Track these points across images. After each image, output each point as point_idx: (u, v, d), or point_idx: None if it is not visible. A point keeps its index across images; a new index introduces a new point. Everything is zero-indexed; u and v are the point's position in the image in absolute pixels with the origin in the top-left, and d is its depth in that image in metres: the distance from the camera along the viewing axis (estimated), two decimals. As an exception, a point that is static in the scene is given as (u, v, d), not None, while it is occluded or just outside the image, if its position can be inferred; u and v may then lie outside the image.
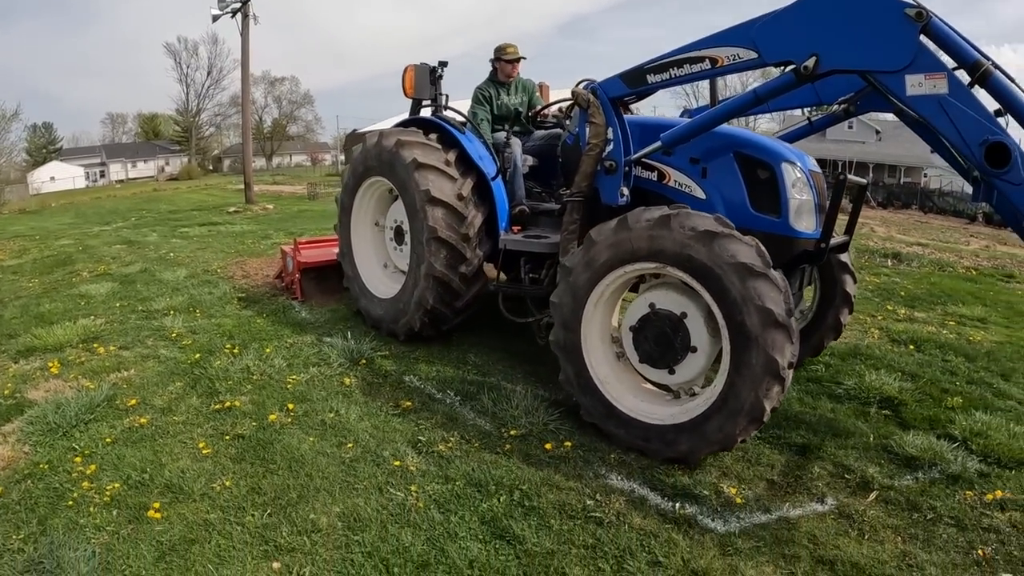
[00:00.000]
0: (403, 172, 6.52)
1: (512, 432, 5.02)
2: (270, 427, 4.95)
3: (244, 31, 26.00)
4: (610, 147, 5.28)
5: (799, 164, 5.10)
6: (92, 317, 7.82)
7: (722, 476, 4.59)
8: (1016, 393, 6.08)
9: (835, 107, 5.98)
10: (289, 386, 5.68)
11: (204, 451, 4.59)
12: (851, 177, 5.30)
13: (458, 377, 6.02)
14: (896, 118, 5.82)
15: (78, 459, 4.49)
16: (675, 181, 5.40)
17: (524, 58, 7.38)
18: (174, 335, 7.04)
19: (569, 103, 6.79)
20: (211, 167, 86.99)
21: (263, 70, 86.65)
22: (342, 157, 71.42)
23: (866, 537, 4.02)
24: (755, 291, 4.18)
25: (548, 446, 4.85)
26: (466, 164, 6.62)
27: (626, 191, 5.34)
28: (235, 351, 6.49)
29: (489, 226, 6.53)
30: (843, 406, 5.64)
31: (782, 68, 4.49)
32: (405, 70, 7.08)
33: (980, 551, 3.93)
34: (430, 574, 3.47)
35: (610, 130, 5.27)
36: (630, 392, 5.00)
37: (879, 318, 8.45)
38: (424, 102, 7.39)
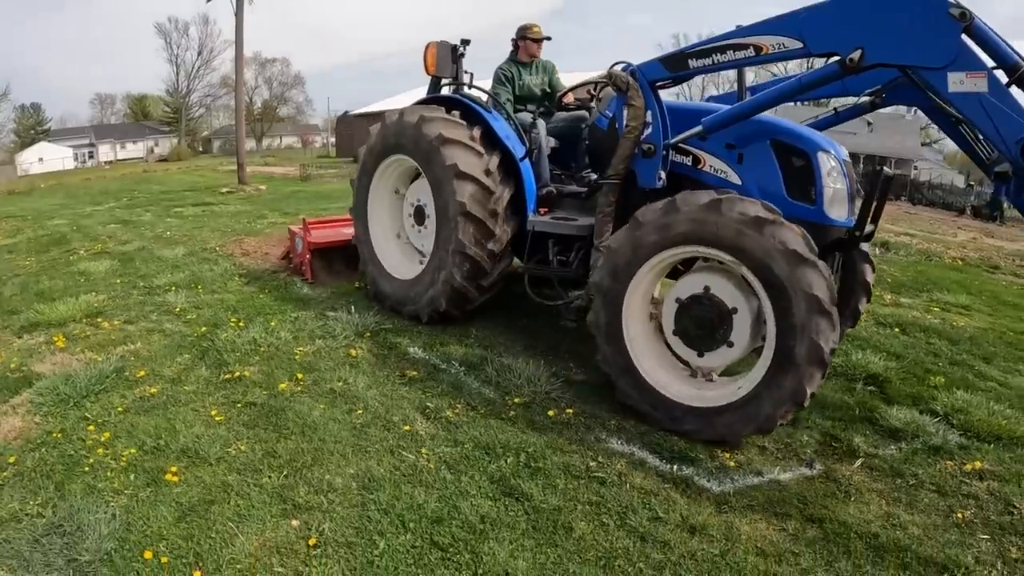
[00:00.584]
0: (428, 148, 6.35)
1: (516, 400, 5.16)
2: (280, 395, 5.05)
3: (238, 11, 25.77)
4: (648, 130, 5.23)
5: (833, 153, 5.11)
6: (93, 293, 7.87)
7: (716, 441, 4.74)
8: (996, 375, 6.27)
9: (862, 98, 5.95)
10: (297, 357, 5.78)
11: (217, 418, 4.68)
12: (884, 169, 5.33)
13: (462, 349, 6.14)
14: (889, 110, 5.92)
15: (91, 427, 4.57)
16: (710, 166, 5.36)
17: (549, 38, 7.32)
18: (178, 310, 7.11)
19: (597, 84, 6.86)
20: (201, 148, 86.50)
21: (254, 51, 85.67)
22: (333, 139, 71.22)
23: (852, 499, 4.22)
24: (803, 278, 4.22)
25: (551, 413, 4.99)
26: (491, 141, 6.46)
27: (663, 174, 5.30)
28: (240, 324, 6.57)
29: (514, 206, 6.41)
30: (831, 382, 5.80)
31: (825, 59, 4.52)
32: (427, 47, 6.85)
33: (959, 514, 4.14)
34: (444, 528, 3.60)
35: (648, 113, 5.22)
36: (668, 373, 5.01)
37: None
38: (444, 81, 7.23)
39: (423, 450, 4.38)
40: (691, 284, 4.79)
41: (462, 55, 7.05)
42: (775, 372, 4.42)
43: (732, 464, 4.54)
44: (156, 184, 27.32)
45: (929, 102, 4.52)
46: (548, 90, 7.56)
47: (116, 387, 5.20)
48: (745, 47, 4.67)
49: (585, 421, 4.94)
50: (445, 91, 7.23)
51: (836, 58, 4.36)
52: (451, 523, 3.65)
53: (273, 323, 6.59)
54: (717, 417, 4.65)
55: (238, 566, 3.28)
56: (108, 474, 4.03)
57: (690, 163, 5.44)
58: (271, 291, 7.92)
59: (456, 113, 6.59)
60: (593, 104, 6.88)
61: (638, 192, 5.42)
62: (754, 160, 5.19)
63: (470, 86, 7.16)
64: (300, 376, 5.37)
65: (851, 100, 6.07)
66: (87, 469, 4.08)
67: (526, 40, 7.27)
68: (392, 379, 5.45)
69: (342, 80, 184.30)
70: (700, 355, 4.81)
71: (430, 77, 7.17)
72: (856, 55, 4.22)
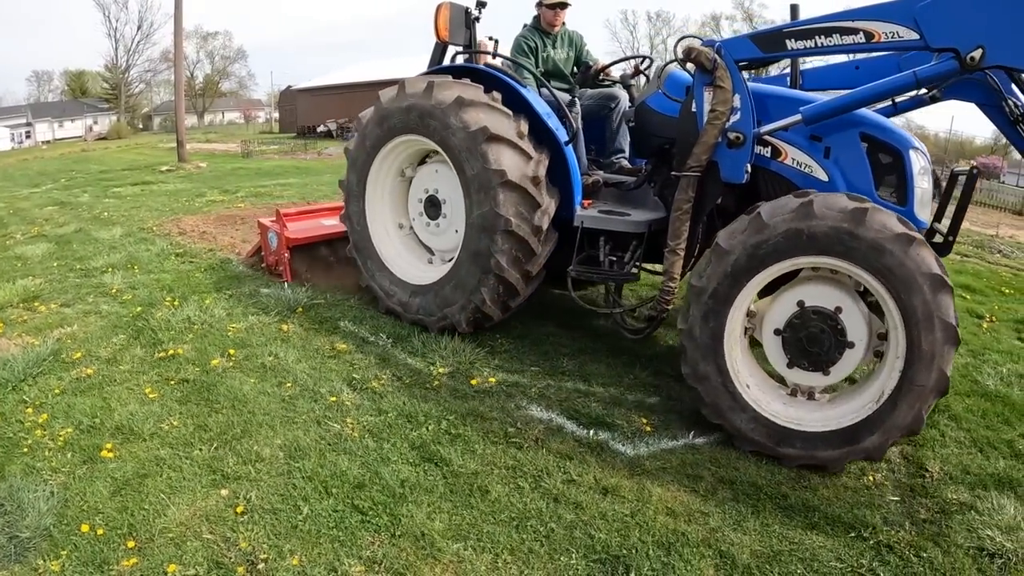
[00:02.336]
0: (465, 140, 5.34)
1: (440, 370, 5.28)
2: (213, 371, 5.10)
3: None
4: (736, 117, 4.60)
5: (922, 151, 4.70)
6: (30, 277, 7.74)
7: (635, 408, 4.94)
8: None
9: (922, 91, 5.12)
10: (230, 334, 5.82)
11: (151, 396, 4.72)
12: (974, 168, 5.04)
13: (390, 322, 6.21)
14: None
15: (29, 410, 4.57)
16: (792, 159, 4.75)
17: (569, 4, 6.35)
18: (114, 291, 7.06)
19: (643, 59, 6.57)
20: (141, 126, 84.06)
21: (195, 24, 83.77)
22: (276, 115, 69.91)
23: (764, 462, 4.35)
24: (943, 304, 3.83)
25: (474, 382, 5.13)
26: (537, 133, 5.56)
27: (749, 167, 4.70)
28: (175, 303, 6.56)
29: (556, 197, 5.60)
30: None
31: (936, 53, 4.15)
32: (438, 8, 6.00)
33: (871, 477, 4.30)
34: (366, 493, 3.72)
35: (737, 97, 4.58)
36: (766, 392, 4.52)
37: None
38: (455, 50, 6.42)
39: (348, 420, 4.48)
40: (782, 308, 4.33)
41: (477, 19, 6.34)
42: (894, 400, 4.04)
43: (648, 429, 4.67)
44: (95, 164, 26.76)
45: (989, 100, 4.31)
46: (575, 66, 6.68)
47: (53, 369, 5.18)
48: (855, 32, 4.16)
49: (507, 389, 5.07)
50: (459, 59, 6.42)
51: (953, 55, 3.94)
52: (372, 488, 3.77)
53: (207, 301, 6.60)
54: (822, 443, 4.24)
55: (170, 535, 3.36)
56: (46, 454, 4.06)
57: (769, 154, 4.82)
58: (207, 270, 7.89)
59: (498, 97, 5.56)
60: (632, 81, 6.41)
61: (714, 187, 4.87)
62: (842, 155, 4.63)
63: (495, 55, 6.41)
64: (232, 352, 5.42)
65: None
66: (26, 450, 4.10)
67: (541, 7, 6.36)
68: (322, 353, 5.53)
69: (286, 53, 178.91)
70: (826, 374, 4.31)
71: (437, 43, 6.31)
72: (977, 54, 3.81)
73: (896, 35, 4.03)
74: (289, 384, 4.94)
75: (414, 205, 6.26)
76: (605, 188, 5.95)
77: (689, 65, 4.74)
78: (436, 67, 6.26)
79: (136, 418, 4.40)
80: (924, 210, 4.63)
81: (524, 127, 5.43)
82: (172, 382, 4.94)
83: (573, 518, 3.68)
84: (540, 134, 5.56)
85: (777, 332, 4.34)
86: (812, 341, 4.23)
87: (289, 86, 61.25)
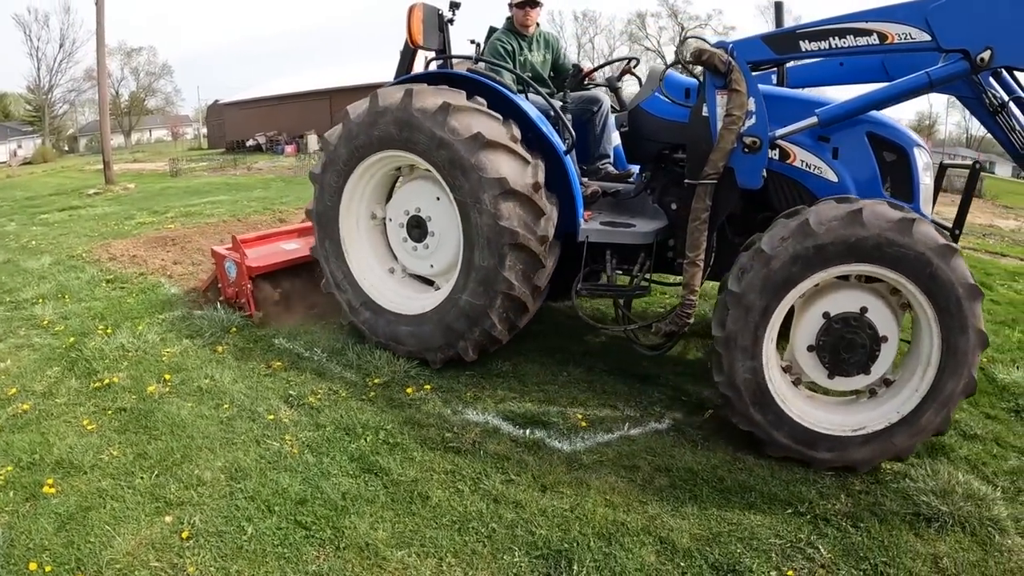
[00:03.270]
0: (457, 150, 4.89)
1: (376, 381, 5.32)
2: (149, 398, 5.06)
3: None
4: (751, 121, 4.44)
5: (924, 147, 4.73)
6: (-42, 314, 7.54)
7: (570, 404, 5.05)
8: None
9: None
10: (164, 359, 5.77)
11: (89, 427, 4.67)
12: (977, 163, 5.11)
13: (324, 336, 6.22)
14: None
15: (-34, 451, 4.48)
16: (802, 161, 4.66)
17: (541, 3, 5.94)
18: (46, 322, 6.91)
19: (630, 60, 6.26)
20: (67, 148, 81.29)
21: (119, 40, 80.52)
22: (204, 130, 68.55)
23: (699, 448, 4.49)
24: (975, 312, 3.89)
25: (409, 391, 5.17)
26: (527, 142, 5.16)
27: (765, 172, 4.62)
28: (108, 331, 6.46)
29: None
30: (686, 340, 6.15)
31: (943, 54, 4.15)
32: (410, 10, 5.59)
33: None
34: (308, 508, 3.76)
35: (751, 101, 4.42)
36: (803, 400, 4.45)
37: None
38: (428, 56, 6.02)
39: (287, 437, 4.50)
40: (809, 324, 4.26)
41: (450, 21, 5.91)
42: (925, 403, 4.09)
43: (584, 424, 4.76)
44: (20, 190, 25.88)
45: (971, 93, 4.36)
46: (552, 70, 6.25)
47: (-12, 408, 5.08)
48: (868, 33, 4.13)
49: (442, 396, 5.14)
50: (433, 65, 6.00)
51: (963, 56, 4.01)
52: (314, 503, 3.81)
53: (140, 327, 6.51)
54: (854, 446, 4.20)
55: (117, 566, 3.36)
56: (-13, 495, 4.00)
57: (777, 157, 4.70)
58: (138, 294, 7.76)
59: (483, 102, 5.18)
60: (619, 84, 6.20)
61: (729, 193, 4.71)
62: (851, 155, 4.59)
63: (478, 59, 5.96)
64: (168, 377, 5.37)
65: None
66: (-35, 492, 4.02)
67: (512, 7, 5.94)
68: (258, 371, 5.52)
69: (213, 66, 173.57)
70: (868, 373, 4.26)
71: (406, 48, 5.93)
72: (986, 55, 3.89)
73: (909, 36, 4.05)
74: (227, 405, 4.93)
75: (395, 231, 5.76)
76: (603, 197, 5.66)
77: (693, 67, 4.71)
78: (409, 75, 5.78)
79: (76, 451, 4.35)
80: (927, 206, 4.68)
81: (517, 132, 5.06)
82: (109, 412, 4.88)
83: (514, 517, 3.75)
84: (531, 143, 5.20)
85: (811, 348, 4.26)
86: (848, 347, 4.18)
87: (216, 100, 60.00)
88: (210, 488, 3.95)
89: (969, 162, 5.10)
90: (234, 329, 6.39)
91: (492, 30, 6.20)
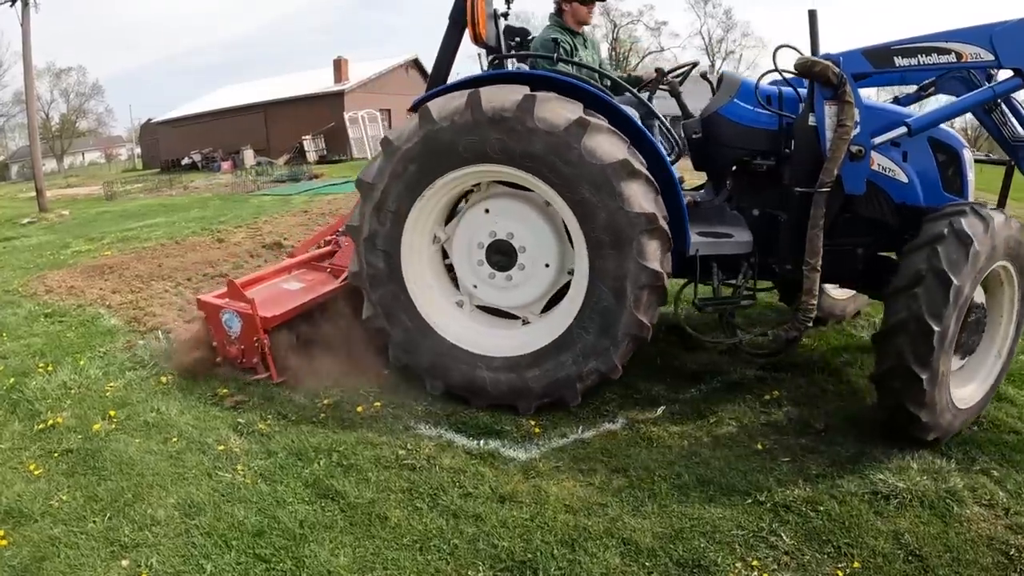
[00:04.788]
0: (595, 177, 4.36)
1: (325, 401, 5.25)
2: (96, 437, 4.90)
3: (24, 19, 23.15)
4: (856, 130, 4.52)
5: (968, 148, 5.10)
6: None
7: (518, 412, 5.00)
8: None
9: (930, 89, 5.73)
10: (108, 394, 5.61)
11: (36, 472, 4.50)
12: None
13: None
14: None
15: (-91, 508, 4.29)
16: (879, 165, 4.80)
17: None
18: (-18, 364, 6.70)
19: (693, 66, 5.94)
20: (-2, 176, 79.07)
21: (47, 61, 76.45)
22: (138, 150, 66.73)
23: (655, 445, 4.54)
24: None
25: (359, 409, 5.12)
26: (646, 158, 4.65)
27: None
28: (49, 369, 6.24)
29: None
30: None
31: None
32: (473, 4, 5.07)
33: (760, 444, 4.50)
34: (266, 540, 3.69)
35: (856, 111, 4.50)
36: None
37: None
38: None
39: (239, 467, 4.41)
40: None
41: (505, 15, 5.47)
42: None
43: (537, 431, 4.78)
44: (-52, 223, 25.13)
45: (968, 92, 5.00)
46: (597, 72, 5.71)
47: (-72, 460, 4.88)
48: (948, 52, 4.48)
49: (393, 411, 5.08)
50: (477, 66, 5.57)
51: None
52: (272, 534, 3.73)
53: (82, 362, 6.32)
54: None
55: (75, 615, 3.28)
56: (-65, 550, 3.83)
57: None
58: (77, 327, 7.53)
59: (603, 118, 4.60)
60: (681, 89, 5.77)
61: (834, 200, 4.68)
62: (916, 157, 4.85)
63: (567, 60, 5.41)
64: (113, 413, 5.22)
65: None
66: (-88, 551, 3.85)
67: (571, 2, 5.56)
68: (204, 400, 5.39)
69: (145, 84, 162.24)
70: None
71: (450, 44, 5.48)
72: None
73: (978, 56, 4.41)
74: (175, 439, 4.81)
75: (464, 255, 5.14)
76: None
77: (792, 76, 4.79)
78: (484, 74, 5.21)
79: (24, 498, 4.18)
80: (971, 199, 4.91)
81: (639, 155, 4.59)
82: (56, 454, 4.72)
83: (474, 531, 3.72)
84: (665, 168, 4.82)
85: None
86: (974, 327, 4.55)
87: (150, 119, 58.30)
88: (164, 527, 3.85)
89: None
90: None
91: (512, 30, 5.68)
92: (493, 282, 5.05)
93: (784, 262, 4.95)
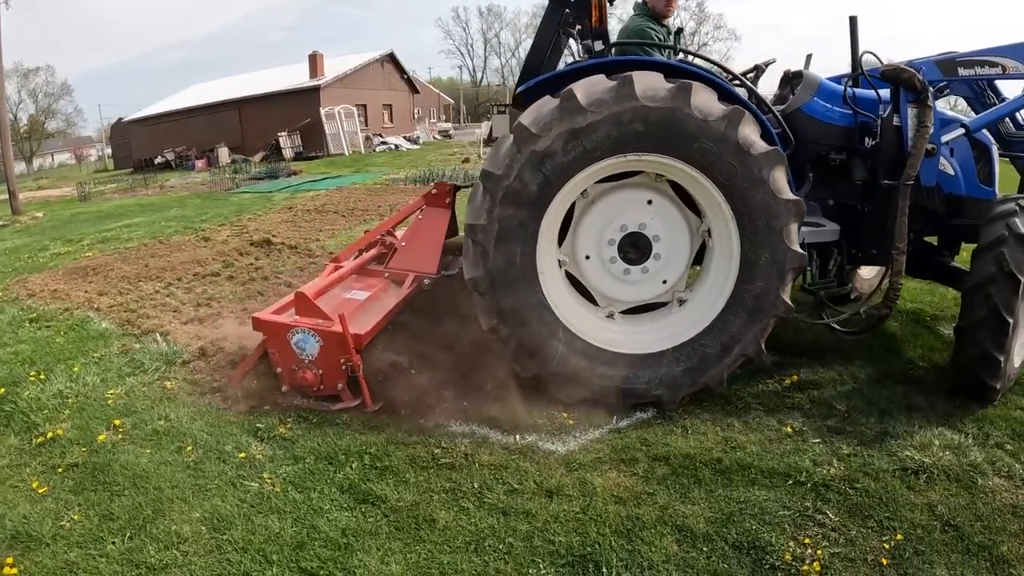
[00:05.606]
0: (750, 166, 4.41)
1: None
2: (102, 449, 4.53)
3: None
4: (931, 130, 4.95)
5: (996, 146, 5.59)
6: None
7: (549, 404, 4.79)
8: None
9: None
10: (110, 402, 5.23)
11: (40, 490, 4.12)
12: None
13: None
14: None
15: (-96, 537, 3.91)
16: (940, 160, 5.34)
17: None
18: (-32, 375, 6.29)
19: (768, 64, 6.06)
20: (-35, 180, 77.03)
21: (14, 61, 74.86)
22: (109, 151, 65.39)
23: (690, 432, 4.49)
24: None
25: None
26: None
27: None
28: (42, 377, 5.83)
29: None
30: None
31: None
32: None
33: (790, 427, 4.55)
34: (309, 551, 3.40)
35: (931, 113, 4.96)
36: None
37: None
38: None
39: (265, 475, 4.09)
40: None
41: (611, 2, 5.27)
42: None
43: (571, 423, 4.65)
44: (-81, 233, 24.47)
45: (974, 96, 6.16)
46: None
47: (-82, 481, 4.50)
48: (996, 64, 5.24)
49: (418, 409, 4.79)
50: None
51: None
52: (314, 545, 3.45)
53: (76, 368, 5.92)
54: None
55: (103, 648, 2.95)
56: (-64, 585, 3.46)
57: None
58: (67, 332, 7.09)
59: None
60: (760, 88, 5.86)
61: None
62: (960, 152, 5.35)
63: (684, 50, 5.54)
64: (118, 423, 4.85)
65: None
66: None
67: None
68: (215, 406, 5.04)
69: (115, 82, 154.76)
70: None
71: (549, 32, 5.27)
72: None
73: (1017, 69, 5.16)
74: (189, 447, 4.47)
75: (597, 255, 4.91)
76: None
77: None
78: (615, 59, 5.00)
79: (31, 521, 3.80)
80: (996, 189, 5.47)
81: None
82: (60, 470, 4.33)
83: (528, 528, 3.58)
84: None
85: None
86: None
87: (120, 118, 56.94)
88: (193, 544, 3.51)
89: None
90: (180, 361, 5.88)
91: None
92: (626, 277, 4.93)
93: (870, 247, 5.33)
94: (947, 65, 5.43)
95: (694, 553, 3.38)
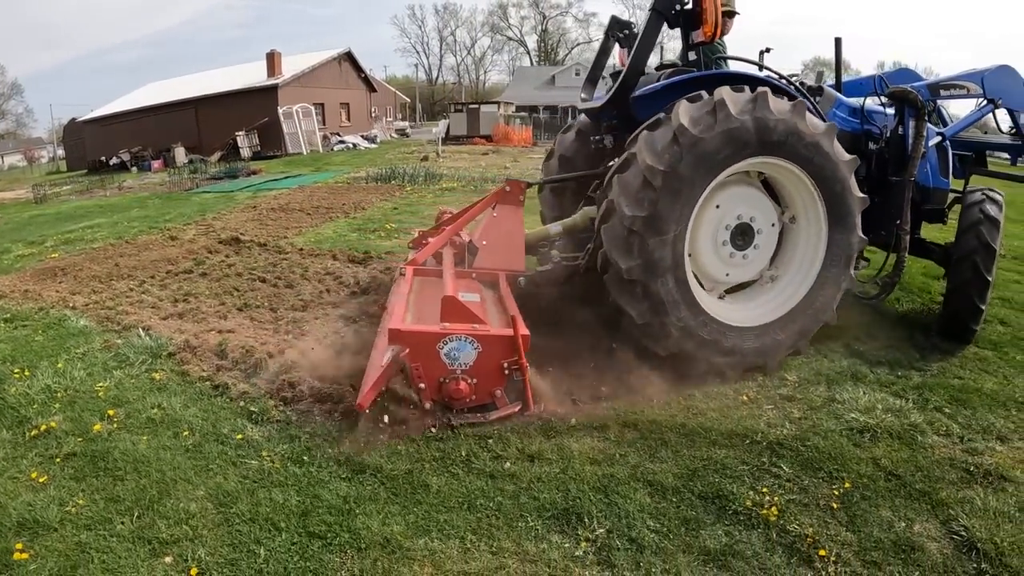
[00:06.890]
0: (839, 170, 5.35)
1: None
2: (99, 438, 4.61)
3: None
4: (924, 138, 6.05)
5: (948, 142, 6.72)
6: None
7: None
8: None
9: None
10: (100, 394, 5.28)
11: (40, 480, 4.17)
12: None
13: (270, 342, 5.92)
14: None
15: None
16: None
17: (738, 13, 6.48)
18: (-51, 376, 6.28)
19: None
20: (-83, 186, 74.52)
21: None
22: (61, 152, 63.87)
23: (655, 402, 4.96)
24: None
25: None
26: None
27: None
28: (26, 374, 5.83)
29: None
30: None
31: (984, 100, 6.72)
32: (714, 3, 5.44)
33: (745, 396, 5.11)
34: (315, 518, 3.59)
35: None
36: None
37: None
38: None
39: (264, 453, 4.24)
40: None
41: (735, 14, 6.06)
42: None
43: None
44: None
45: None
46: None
47: (-86, 479, 4.54)
48: (963, 87, 6.67)
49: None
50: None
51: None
52: (318, 511, 3.64)
53: (60, 364, 5.93)
54: None
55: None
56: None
57: None
58: (45, 331, 7.06)
59: None
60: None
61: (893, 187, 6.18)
62: (930, 152, 6.42)
63: (763, 67, 6.22)
64: (111, 413, 4.92)
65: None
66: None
67: (727, 16, 6.12)
68: (206, 393, 5.16)
69: (67, 81, 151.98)
70: None
71: (646, 45, 5.83)
72: (999, 100, 6.62)
73: (976, 90, 6.58)
74: (186, 432, 4.57)
75: (711, 247, 5.49)
76: None
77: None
78: (730, 73, 6.00)
79: (36, 508, 3.87)
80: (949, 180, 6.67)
81: None
82: (57, 459, 4.40)
83: (514, 488, 3.92)
84: None
85: None
86: None
87: (73, 118, 55.46)
88: (201, 519, 3.65)
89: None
90: (166, 353, 5.96)
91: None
92: (743, 261, 5.61)
93: (881, 229, 6.21)
94: (934, 88, 6.68)
95: (665, 503, 3.79)
